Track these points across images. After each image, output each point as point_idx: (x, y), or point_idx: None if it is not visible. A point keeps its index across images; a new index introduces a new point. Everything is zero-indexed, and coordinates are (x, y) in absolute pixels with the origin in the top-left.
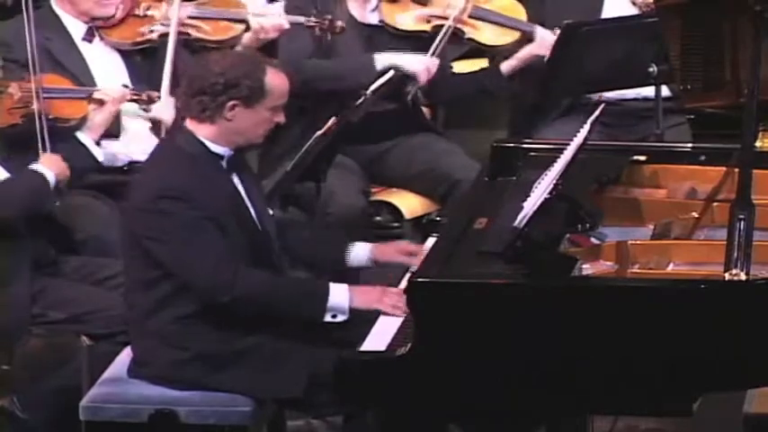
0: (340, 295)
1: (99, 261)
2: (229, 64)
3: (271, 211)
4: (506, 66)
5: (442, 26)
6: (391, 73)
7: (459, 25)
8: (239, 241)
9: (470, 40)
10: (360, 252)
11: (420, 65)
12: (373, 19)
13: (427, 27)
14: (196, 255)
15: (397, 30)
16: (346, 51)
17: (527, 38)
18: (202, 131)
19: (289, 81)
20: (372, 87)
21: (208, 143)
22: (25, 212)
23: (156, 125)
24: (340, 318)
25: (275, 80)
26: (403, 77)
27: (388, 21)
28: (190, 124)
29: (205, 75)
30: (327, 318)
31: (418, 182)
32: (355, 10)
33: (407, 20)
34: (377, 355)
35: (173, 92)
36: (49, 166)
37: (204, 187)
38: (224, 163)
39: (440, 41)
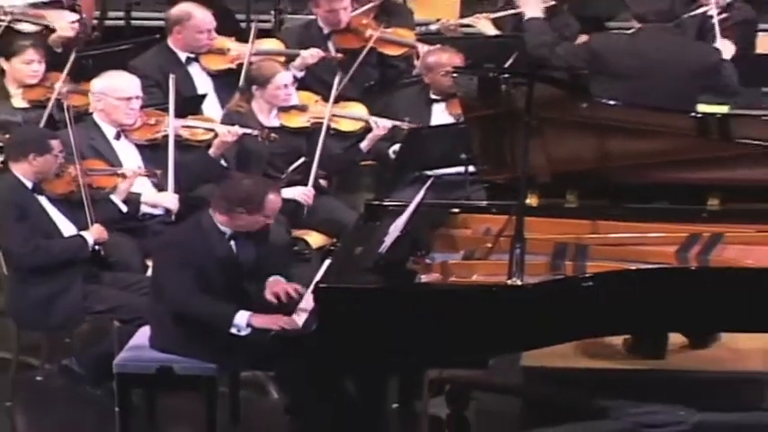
0: (241, 318)
1: (124, 275)
2: (252, 188)
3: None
4: (363, 144)
5: (320, 123)
6: (302, 159)
7: (329, 122)
8: (219, 280)
9: (336, 129)
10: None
11: (295, 193)
12: (275, 122)
13: (308, 124)
14: (170, 283)
15: (291, 128)
16: (260, 146)
17: (369, 126)
18: (217, 218)
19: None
20: (290, 169)
21: (219, 225)
22: (64, 262)
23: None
24: (243, 332)
25: (272, 199)
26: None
27: (284, 122)
28: (211, 209)
29: (235, 190)
30: (234, 330)
31: (320, 225)
32: (260, 115)
33: (296, 121)
34: (297, 331)
35: (175, 189)
36: (92, 234)
37: (197, 248)
38: (226, 236)
39: (323, 135)
